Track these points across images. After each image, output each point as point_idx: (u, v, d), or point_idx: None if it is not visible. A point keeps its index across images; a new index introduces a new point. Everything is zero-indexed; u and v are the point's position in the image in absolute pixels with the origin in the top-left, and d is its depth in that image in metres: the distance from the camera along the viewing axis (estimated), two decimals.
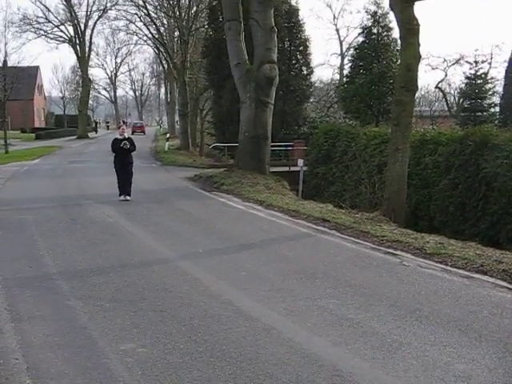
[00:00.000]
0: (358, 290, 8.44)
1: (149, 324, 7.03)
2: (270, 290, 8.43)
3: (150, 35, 58.00)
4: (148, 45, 70.98)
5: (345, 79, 42.40)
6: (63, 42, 71.60)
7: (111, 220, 14.77)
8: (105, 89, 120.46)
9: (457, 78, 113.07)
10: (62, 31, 70.13)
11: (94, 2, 68.37)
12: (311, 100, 46.39)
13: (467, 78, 49.90)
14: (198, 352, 6.18)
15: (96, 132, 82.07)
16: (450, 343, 6.39)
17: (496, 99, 52.30)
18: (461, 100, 52.67)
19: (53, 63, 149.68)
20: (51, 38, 70.83)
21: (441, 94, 57.49)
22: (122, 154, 18.28)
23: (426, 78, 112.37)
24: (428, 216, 19.15)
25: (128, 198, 18.05)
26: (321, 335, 6.66)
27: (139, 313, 7.44)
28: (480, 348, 6.26)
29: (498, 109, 52.69)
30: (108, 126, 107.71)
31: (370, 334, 6.66)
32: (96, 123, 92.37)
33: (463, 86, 51.33)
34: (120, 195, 18.14)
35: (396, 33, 33.64)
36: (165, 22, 57.07)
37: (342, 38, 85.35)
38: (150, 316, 7.32)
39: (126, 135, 18.62)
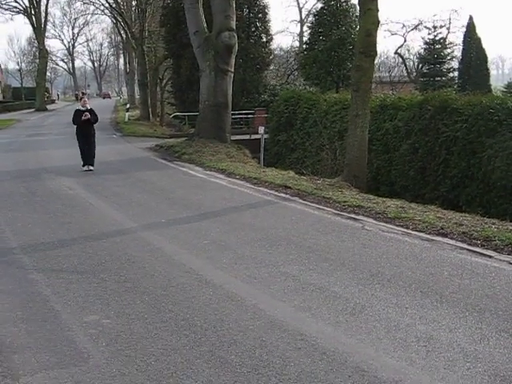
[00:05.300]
0: (321, 255, 8.49)
1: (112, 295, 7.00)
2: (233, 257, 8.44)
3: (106, 4, 57.18)
4: (105, 14, 69.80)
5: (304, 46, 42.34)
6: (18, 12, 70.15)
7: (72, 192, 14.63)
8: (62, 60, 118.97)
9: (416, 44, 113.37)
10: (16, 1, 68.66)
11: None
12: (271, 67, 46.26)
13: (426, 43, 50.37)
14: (163, 321, 6.18)
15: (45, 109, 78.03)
16: (411, 305, 6.48)
17: (455, 64, 52.91)
18: (420, 65, 53.12)
19: (8, 35, 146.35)
20: (5, 9, 69.40)
21: (400, 59, 57.89)
22: (84, 126, 18.19)
23: (386, 44, 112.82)
24: (389, 181, 19.30)
25: (91, 167, 18.13)
26: (284, 301, 6.70)
27: (102, 284, 7.40)
28: (441, 309, 6.36)
29: (456, 73, 53.27)
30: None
31: (333, 299, 6.72)
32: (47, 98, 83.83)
33: (422, 51, 51.80)
34: (83, 165, 18.13)
35: None
36: None
37: (301, 5, 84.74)
38: (114, 287, 7.29)
39: (88, 106, 18.48)
